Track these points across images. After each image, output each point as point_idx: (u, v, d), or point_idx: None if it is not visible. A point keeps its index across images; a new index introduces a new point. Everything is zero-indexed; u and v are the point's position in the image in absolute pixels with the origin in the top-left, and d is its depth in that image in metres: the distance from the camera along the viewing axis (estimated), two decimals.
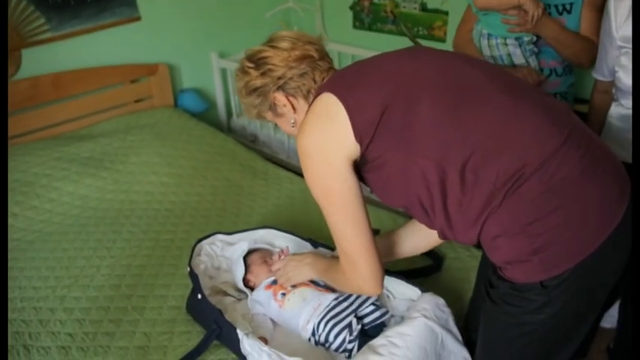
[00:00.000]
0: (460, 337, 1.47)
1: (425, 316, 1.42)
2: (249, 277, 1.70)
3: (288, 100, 1.27)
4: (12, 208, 2.21)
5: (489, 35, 1.93)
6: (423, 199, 1.15)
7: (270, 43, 1.28)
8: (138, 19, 3.02)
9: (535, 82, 1.89)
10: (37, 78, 2.65)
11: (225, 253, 1.83)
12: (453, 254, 1.88)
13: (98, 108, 2.93)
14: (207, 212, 2.26)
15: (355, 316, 1.48)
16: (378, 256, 1.26)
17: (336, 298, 1.51)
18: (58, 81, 2.72)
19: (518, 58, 1.91)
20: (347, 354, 1.46)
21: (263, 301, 1.59)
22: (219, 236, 1.85)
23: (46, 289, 1.84)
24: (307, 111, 1.23)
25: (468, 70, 1.17)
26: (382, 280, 1.29)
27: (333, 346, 1.46)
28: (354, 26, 3.54)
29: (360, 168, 1.21)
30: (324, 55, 1.29)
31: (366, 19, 3.46)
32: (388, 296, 1.64)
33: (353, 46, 3.49)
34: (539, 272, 1.08)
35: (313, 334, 1.49)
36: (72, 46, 2.80)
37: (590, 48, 1.85)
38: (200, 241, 1.82)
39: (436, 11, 3.10)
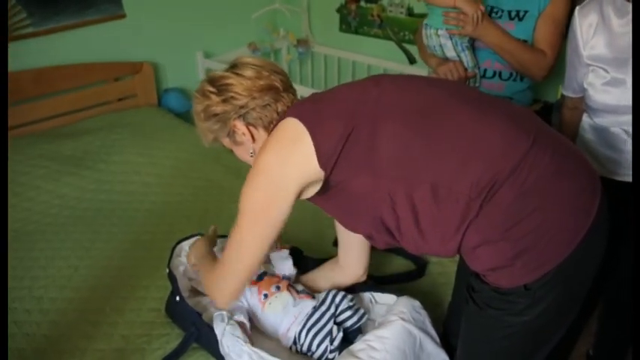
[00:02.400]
0: (438, 340, 1.48)
1: (402, 319, 1.43)
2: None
3: (249, 129, 1.25)
4: None
5: (427, 25, 1.97)
6: (389, 221, 1.16)
7: (235, 69, 1.26)
8: (123, 16, 2.99)
9: (459, 78, 1.91)
10: (17, 73, 2.60)
11: None
12: (435, 259, 1.88)
13: (81, 105, 2.90)
14: (188, 213, 2.24)
15: (335, 323, 1.47)
16: (245, 284, 1.36)
17: (314, 306, 1.50)
18: (39, 77, 2.68)
19: (449, 51, 1.94)
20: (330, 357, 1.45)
21: (247, 294, 1.57)
22: (201, 237, 1.83)
23: (22, 289, 1.80)
24: (269, 134, 1.23)
25: (429, 90, 1.19)
26: (232, 301, 1.44)
27: (316, 355, 1.45)
28: (341, 29, 3.54)
29: (322, 194, 1.21)
30: (288, 87, 1.28)
31: (352, 22, 3.46)
32: (371, 301, 1.64)
33: (339, 49, 3.50)
34: (523, 276, 1.09)
35: (295, 342, 1.48)
36: (54, 42, 2.76)
37: (540, 60, 1.86)
38: (180, 242, 1.79)
39: (423, 16, 3.07)
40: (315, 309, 1.49)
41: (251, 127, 1.25)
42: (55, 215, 2.23)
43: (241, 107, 1.22)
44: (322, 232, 2.00)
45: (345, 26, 3.51)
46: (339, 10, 3.51)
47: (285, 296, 1.53)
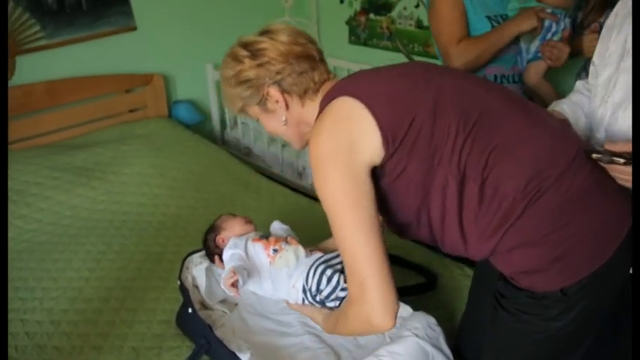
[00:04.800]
0: (452, 357, 1.46)
1: (416, 335, 1.41)
2: (222, 235, 1.68)
3: (283, 96, 1.20)
4: None
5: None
6: (434, 214, 1.13)
7: (268, 34, 1.20)
8: (134, 28, 3.02)
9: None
10: (30, 85, 2.64)
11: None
12: (446, 272, 1.87)
13: (92, 117, 2.92)
14: (199, 225, 2.22)
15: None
16: (391, 280, 1.09)
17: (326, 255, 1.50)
18: (51, 89, 2.71)
19: None
20: (337, 303, 1.40)
21: (251, 253, 1.52)
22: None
23: (34, 300, 1.81)
24: (322, 113, 1.14)
25: (484, 91, 1.17)
26: (395, 312, 1.09)
27: (324, 293, 1.38)
28: (350, 41, 3.55)
29: (375, 181, 1.14)
30: (323, 58, 1.24)
31: (362, 34, 3.48)
32: None
33: (348, 61, 3.50)
34: (560, 280, 1.09)
35: (304, 290, 1.43)
36: (66, 54, 2.79)
37: None
38: (191, 254, 1.79)
39: None
40: (330, 257, 1.48)
41: (285, 95, 1.20)
42: (66, 226, 2.24)
43: (277, 73, 1.16)
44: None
45: (355, 38, 3.53)
46: (348, 22, 3.52)
47: (297, 248, 1.49)
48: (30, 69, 2.66)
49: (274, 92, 1.19)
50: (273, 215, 2.28)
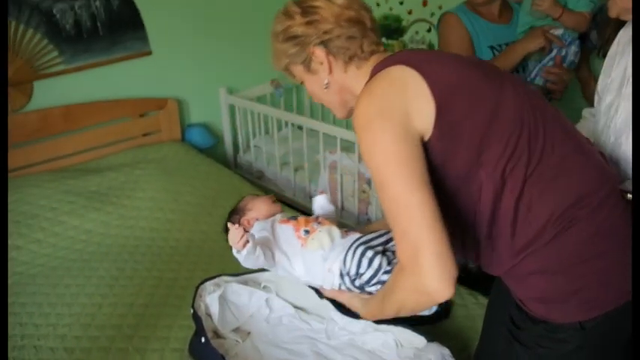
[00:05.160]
0: None
1: None
2: (247, 217, 1.57)
3: (328, 58, 1.17)
4: (16, 241, 2.21)
5: None
6: (468, 223, 1.09)
7: None
8: (149, 53, 3.06)
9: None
10: (47, 110, 2.68)
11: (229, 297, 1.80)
12: (460, 301, 1.85)
13: (106, 141, 2.95)
14: (211, 251, 2.25)
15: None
16: (448, 243, 0.98)
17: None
18: (67, 113, 2.75)
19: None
20: (379, 287, 1.28)
21: (280, 235, 1.42)
22: (225, 277, 1.83)
23: (47, 327, 1.81)
24: (375, 76, 1.09)
25: (542, 106, 1.14)
26: (453, 278, 0.98)
27: (365, 277, 1.25)
28: None
29: None
30: (375, 28, 1.20)
31: None
32: (397, 344, 1.61)
33: None
34: (579, 313, 1.07)
35: (341, 274, 1.31)
36: (83, 79, 2.83)
37: None
38: (204, 282, 1.79)
39: None
40: (369, 238, 1.35)
41: (330, 57, 1.17)
42: (80, 251, 2.25)
43: (325, 32, 1.15)
44: None
45: None
46: None
47: (330, 228, 1.39)
48: (47, 94, 2.71)
49: (319, 53, 1.17)
50: None
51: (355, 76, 1.19)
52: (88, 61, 2.84)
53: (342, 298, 1.37)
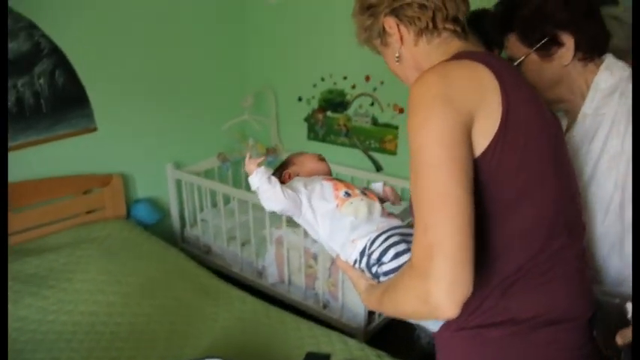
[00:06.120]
0: None
1: None
2: (289, 170, 1.40)
3: (399, 28, 1.10)
4: None
5: None
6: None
7: None
8: (94, 129, 3.04)
9: None
10: None
11: None
12: None
13: (48, 220, 2.87)
14: (154, 335, 2.18)
15: None
16: (471, 255, 0.87)
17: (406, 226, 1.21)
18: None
19: None
20: None
21: (317, 190, 1.26)
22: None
23: None
24: (453, 59, 1.02)
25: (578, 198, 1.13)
26: (464, 296, 0.86)
27: (385, 268, 1.12)
28: (309, 137, 3.66)
29: None
30: (457, 2, 1.09)
31: (320, 130, 3.59)
32: None
33: None
34: None
35: (362, 252, 1.17)
36: (24, 157, 2.78)
37: None
38: None
39: (387, 125, 3.24)
40: (408, 229, 1.18)
41: (401, 27, 1.10)
42: (12, 341, 2.14)
43: (395, 0, 1.08)
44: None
45: (313, 135, 3.63)
46: (307, 120, 3.64)
47: (373, 203, 1.24)
48: None
49: (390, 22, 1.10)
50: (231, 322, 2.25)
51: (426, 52, 1.11)
52: (30, 138, 2.80)
53: (351, 274, 1.20)
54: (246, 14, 3.70)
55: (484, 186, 0.95)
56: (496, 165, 0.95)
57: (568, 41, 1.27)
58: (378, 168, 3.34)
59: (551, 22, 1.27)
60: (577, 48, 1.28)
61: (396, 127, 3.19)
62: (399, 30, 1.10)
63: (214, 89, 3.62)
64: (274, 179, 1.23)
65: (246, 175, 1.28)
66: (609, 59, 1.32)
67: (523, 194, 0.97)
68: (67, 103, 2.91)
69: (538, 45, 1.29)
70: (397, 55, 1.13)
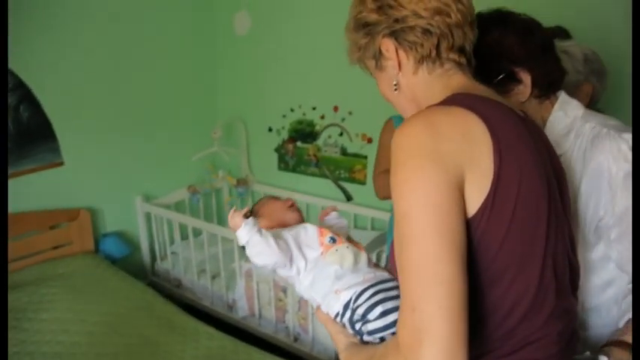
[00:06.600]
0: None
1: None
2: (262, 223, 1.21)
3: (397, 53, 1.00)
4: None
5: None
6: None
7: None
8: (61, 164, 3.01)
9: None
10: None
11: None
12: None
13: (13, 257, 2.81)
14: None
15: None
16: (465, 340, 0.78)
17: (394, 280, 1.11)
18: None
19: None
20: (377, 342, 1.06)
21: (301, 232, 1.18)
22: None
23: None
24: (447, 103, 0.93)
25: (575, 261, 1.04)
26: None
27: (371, 326, 1.02)
28: (279, 168, 3.66)
29: None
30: (464, 26, 0.99)
31: (290, 161, 3.60)
32: None
33: (278, 188, 3.60)
34: None
35: (346, 306, 1.08)
36: None
37: None
38: None
39: (356, 155, 3.27)
40: (396, 284, 1.08)
41: (401, 52, 1.00)
42: None
43: (396, 21, 0.97)
44: None
45: (284, 165, 3.64)
46: (277, 150, 3.65)
47: (360, 253, 1.16)
48: None
49: (388, 44, 1.00)
50: None
51: (426, 83, 1.02)
52: None
53: (331, 329, 1.11)
54: (216, 45, 3.73)
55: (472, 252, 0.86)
56: (480, 235, 0.86)
57: (525, 78, 1.26)
58: (348, 198, 3.35)
59: (508, 59, 1.25)
60: (534, 85, 1.27)
61: (365, 157, 3.22)
62: (397, 55, 1.01)
63: (184, 120, 3.62)
64: (265, 231, 1.13)
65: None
66: (562, 98, 1.33)
67: (505, 270, 0.88)
68: (32, 137, 2.87)
69: (495, 81, 1.27)
70: (395, 82, 1.03)
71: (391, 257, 1.00)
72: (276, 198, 1.35)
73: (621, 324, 1.21)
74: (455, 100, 0.93)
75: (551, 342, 0.93)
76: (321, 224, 1.26)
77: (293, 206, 1.32)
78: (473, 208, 0.84)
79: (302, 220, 1.29)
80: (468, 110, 0.88)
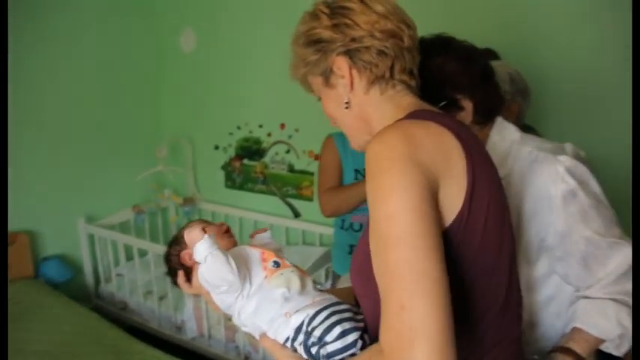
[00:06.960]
0: None
1: None
2: (187, 251, 1.17)
3: (350, 72, 1.00)
4: None
5: None
6: None
7: None
8: None
9: None
10: None
11: None
12: None
13: None
14: None
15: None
16: (454, 338, 0.77)
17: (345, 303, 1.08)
18: None
19: None
20: None
21: (244, 256, 1.11)
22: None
23: None
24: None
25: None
26: None
27: (330, 348, 0.97)
28: (227, 185, 3.65)
29: None
30: (413, 51, 1.02)
31: (237, 178, 3.59)
32: None
33: (226, 206, 3.58)
34: None
35: (299, 329, 1.02)
36: None
37: None
38: None
39: (303, 172, 3.29)
40: (348, 307, 1.06)
41: (354, 71, 1.00)
42: None
43: (353, 40, 0.97)
44: None
45: (231, 183, 3.62)
46: (224, 168, 3.63)
47: (304, 278, 1.12)
48: None
49: (342, 63, 1.00)
50: None
51: (377, 102, 1.02)
52: None
53: (280, 354, 1.04)
54: (161, 62, 3.70)
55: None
56: (456, 245, 0.87)
57: (467, 105, 1.28)
58: (296, 214, 3.37)
59: (451, 85, 1.27)
60: (475, 112, 1.29)
61: (312, 174, 3.24)
62: (350, 74, 1.00)
63: (128, 139, 3.56)
64: (222, 249, 1.07)
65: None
66: (499, 123, 1.37)
67: (476, 281, 0.90)
68: None
69: (438, 107, 1.31)
70: (346, 101, 1.03)
71: (353, 266, 1.01)
72: (208, 222, 1.28)
73: (567, 329, 1.25)
74: (420, 115, 0.94)
75: (513, 342, 1.00)
76: (251, 242, 1.22)
77: (228, 230, 1.26)
78: (448, 219, 0.86)
79: (235, 245, 1.22)
80: (440, 125, 0.90)
